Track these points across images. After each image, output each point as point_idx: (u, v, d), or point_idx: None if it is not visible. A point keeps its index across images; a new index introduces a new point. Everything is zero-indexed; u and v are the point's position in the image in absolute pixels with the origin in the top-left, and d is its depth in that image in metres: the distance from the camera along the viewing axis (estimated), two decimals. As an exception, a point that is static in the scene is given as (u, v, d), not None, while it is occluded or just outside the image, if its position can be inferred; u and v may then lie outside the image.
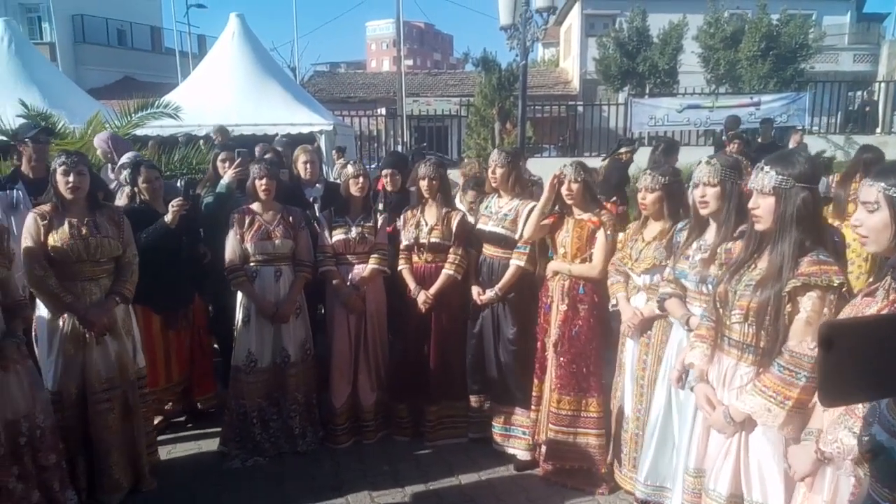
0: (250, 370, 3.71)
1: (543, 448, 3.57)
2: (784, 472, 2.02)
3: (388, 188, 4.44)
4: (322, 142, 9.79)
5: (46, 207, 3.14)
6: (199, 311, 4.19)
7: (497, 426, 3.79)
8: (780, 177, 1.99)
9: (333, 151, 10.37)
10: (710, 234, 2.66)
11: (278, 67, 12.13)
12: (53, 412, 3.02)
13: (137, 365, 3.40)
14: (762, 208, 2.05)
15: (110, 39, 26.51)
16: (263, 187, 3.71)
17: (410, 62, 44.91)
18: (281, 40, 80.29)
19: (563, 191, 3.37)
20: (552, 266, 3.54)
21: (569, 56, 27.43)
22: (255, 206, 3.77)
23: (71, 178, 3.07)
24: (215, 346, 4.62)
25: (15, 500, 2.78)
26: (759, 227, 2.08)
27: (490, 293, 3.65)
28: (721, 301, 2.20)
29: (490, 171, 3.69)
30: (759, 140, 9.45)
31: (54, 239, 3.04)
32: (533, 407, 3.62)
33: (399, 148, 15.81)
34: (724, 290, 2.18)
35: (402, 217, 3.93)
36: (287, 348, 3.76)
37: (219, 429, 3.89)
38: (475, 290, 3.72)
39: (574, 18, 25.86)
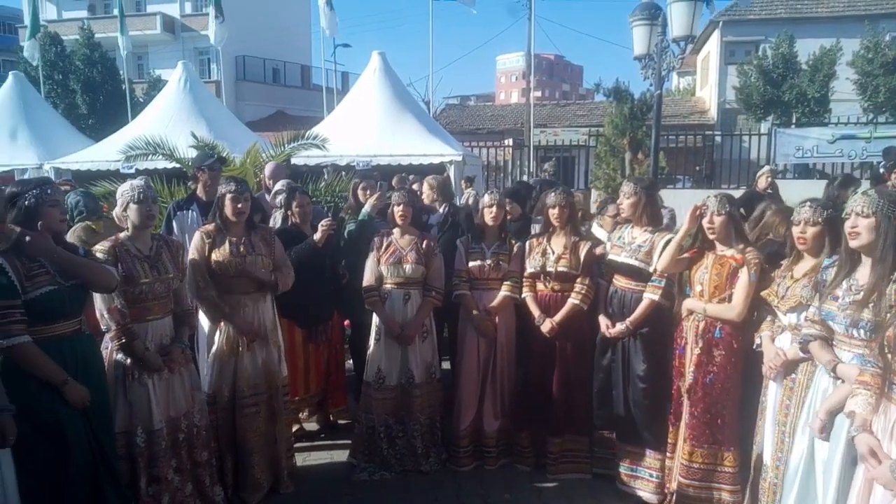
0: (379, 386, 3.87)
1: (673, 499, 3.39)
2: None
3: (508, 217, 4.50)
4: (452, 172, 10.09)
5: (210, 227, 3.50)
6: (336, 328, 4.46)
7: (623, 465, 3.66)
8: None
9: (462, 181, 10.64)
10: (862, 273, 2.40)
11: (414, 101, 12.73)
12: (208, 413, 3.34)
13: (281, 374, 3.67)
14: None
15: (266, 77, 29.28)
16: (400, 213, 3.89)
17: (539, 93, 45.15)
18: (417, 75, 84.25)
19: (706, 224, 3.22)
20: (687, 304, 3.37)
21: (706, 84, 26.27)
22: (395, 232, 3.96)
23: (239, 205, 3.42)
24: (349, 362, 4.87)
25: (172, 490, 3.09)
26: None
27: (620, 326, 3.54)
28: (890, 346, 2.00)
29: (619, 202, 3.63)
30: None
31: (216, 255, 3.39)
32: (668, 454, 3.46)
33: (525, 178, 15.88)
34: (895, 334, 1.99)
35: (526, 245, 3.95)
36: (412, 370, 3.88)
37: (350, 441, 4.08)
38: (604, 321, 3.64)
39: (713, 46, 24.79)
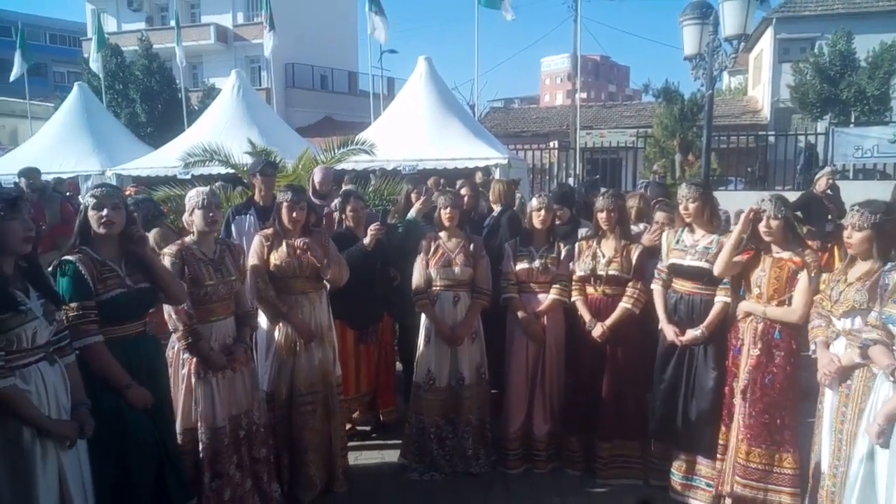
0: (429, 388, 3.92)
1: (728, 501, 3.34)
2: None
3: (557, 221, 4.50)
4: (497, 175, 10.10)
5: (269, 231, 3.64)
6: (387, 330, 4.54)
7: (677, 474, 3.61)
8: None
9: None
10: None
11: (459, 105, 12.79)
12: (266, 411, 3.45)
13: (336, 373, 3.76)
14: None
15: (314, 84, 29.90)
16: (448, 215, 3.94)
17: (584, 95, 44.69)
18: (461, 79, 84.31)
19: (762, 228, 3.19)
20: (744, 306, 3.33)
21: (759, 83, 25.53)
22: (442, 235, 4.02)
23: (294, 214, 3.54)
24: (398, 362, 4.95)
25: (233, 485, 3.21)
26: None
27: (695, 332, 3.45)
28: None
29: (682, 205, 3.57)
30: None
31: (275, 258, 3.52)
32: (718, 456, 3.41)
33: (571, 180, 15.76)
34: None
35: (576, 247, 3.95)
36: (462, 371, 3.92)
37: (400, 441, 4.15)
38: (670, 329, 3.53)
39: (766, 44, 24.09)
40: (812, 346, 3.03)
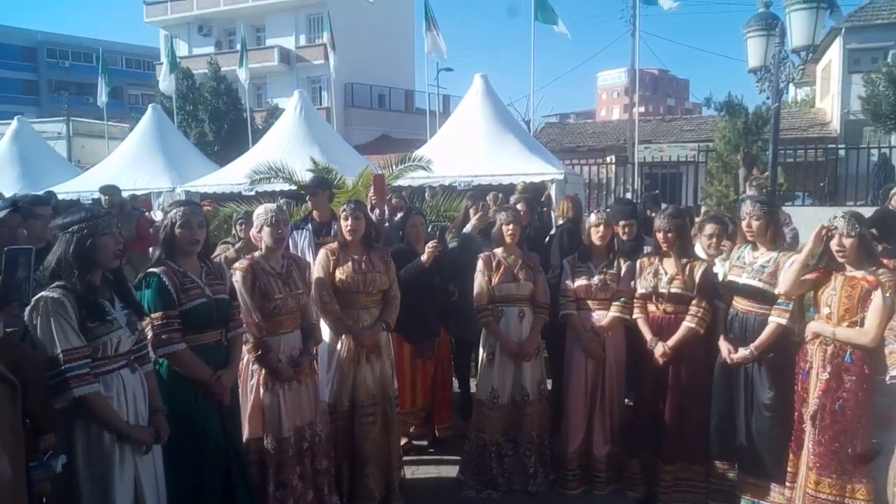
0: (492, 405, 3.91)
1: (798, 532, 3.20)
2: None
3: (624, 237, 4.45)
4: (553, 190, 10.06)
5: (334, 246, 3.74)
6: (444, 345, 4.57)
7: (745, 500, 3.49)
8: None
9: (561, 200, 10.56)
10: None
11: (514, 121, 12.82)
12: (329, 422, 3.53)
13: (393, 385, 3.81)
14: None
15: (372, 102, 30.61)
16: (510, 232, 3.95)
17: (642, 109, 43.97)
18: (517, 94, 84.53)
19: (834, 246, 3.06)
20: (813, 327, 3.21)
21: (827, 95, 24.51)
22: (499, 251, 4.01)
23: (349, 223, 3.63)
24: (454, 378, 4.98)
25: (296, 496, 3.28)
26: None
27: (744, 352, 3.39)
28: None
29: (745, 222, 3.48)
30: None
31: (340, 273, 3.60)
32: (787, 483, 3.28)
33: (629, 195, 15.50)
34: None
35: (637, 264, 3.89)
36: (526, 387, 3.90)
37: (456, 457, 4.16)
38: (725, 347, 3.49)
39: (834, 54, 23.13)
40: (892, 372, 2.87)
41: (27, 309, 2.26)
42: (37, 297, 2.25)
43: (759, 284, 3.38)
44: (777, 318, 3.33)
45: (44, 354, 2.23)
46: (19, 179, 14.37)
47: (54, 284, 2.30)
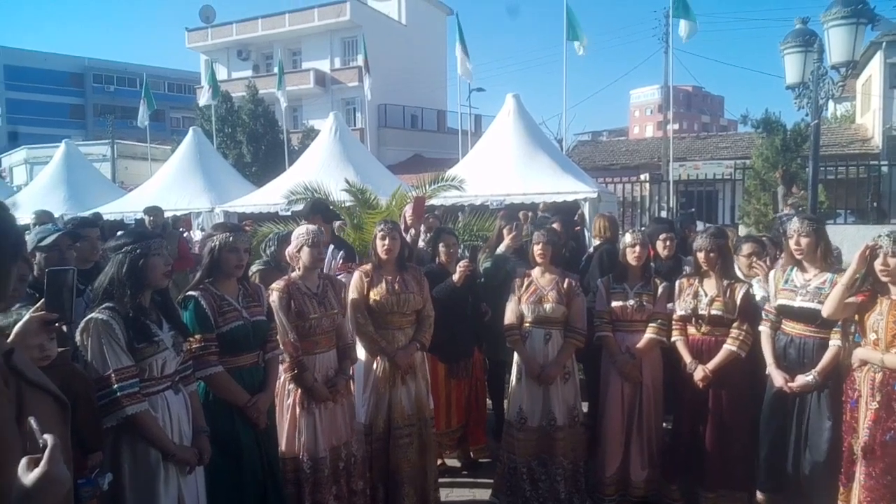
0: (521, 427, 3.87)
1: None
2: None
3: (663, 254, 4.40)
4: (586, 209, 9.99)
5: (368, 267, 3.77)
6: (477, 365, 4.56)
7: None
8: None
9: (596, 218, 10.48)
10: None
11: (547, 140, 12.81)
12: (364, 443, 3.54)
13: (429, 406, 3.81)
14: None
15: (405, 123, 31.00)
16: (539, 252, 3.92)
17: (676, 126, 43.51)
18: (548, 113, 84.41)
19: (878, 266, 2.96)
20: (860, 354, 3.08)
21: (868, 110, 23.91)
22: (535, 271, 4.00)
23: (386, 243, 3.66)
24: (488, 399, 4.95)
25: None
26: None
27: (807, 378, 3.26)
28: None
29: (793, 240, 3.39)
30: None
31: (374, 294, 3.63)
32: (839, 517, 3.15)
33: (664, 214, 15.30)
34: None
35: (676, 285, 3.83)
36: (554, 411, 3.84)
37: (490, 479, 4.12)
38: (779, 375, 3.35)
39: (874, 69, 22.59)
40: None
41: (78, 329, 2.34)
42: (86, 318, 2.33)
43: (819, 307, 3.24)
44: (838, 342, 3.22)
45: (94, 374, 2.30)
46: (66, 201, 14.90)
47: (103, 306, 2.38)
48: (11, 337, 1.68)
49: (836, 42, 6.82)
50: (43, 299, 1.76)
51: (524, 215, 6.89)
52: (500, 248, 4.79)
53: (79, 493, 2.07)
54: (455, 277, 4.11)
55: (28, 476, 1.10)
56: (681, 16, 13.73)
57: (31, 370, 1.34)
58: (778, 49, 7.92)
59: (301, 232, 3.36)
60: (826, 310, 3.15)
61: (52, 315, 1.74)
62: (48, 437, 1.14)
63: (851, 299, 3.08)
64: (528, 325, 3.91)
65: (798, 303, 3.34)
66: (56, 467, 1.12)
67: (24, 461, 1.11)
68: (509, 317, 3.95)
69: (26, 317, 1.75)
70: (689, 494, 3.73)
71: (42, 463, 1.11)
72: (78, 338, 2.34)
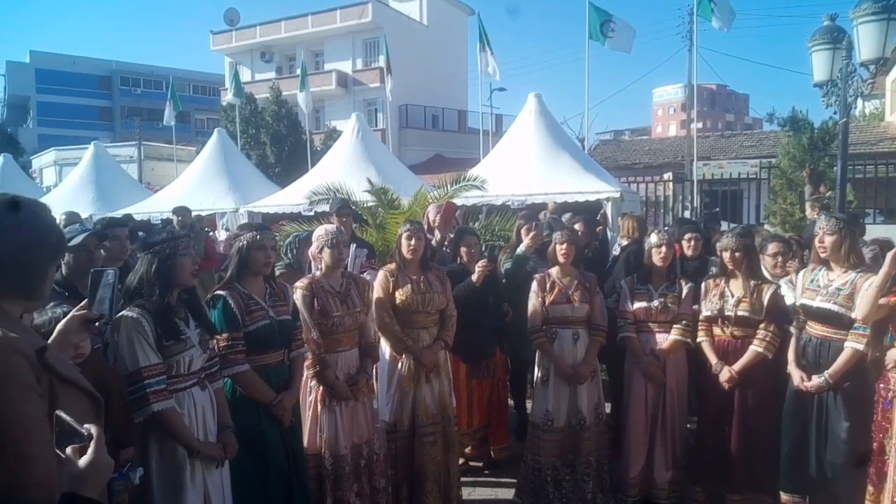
0: (547, 428, 3.86)
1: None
2: None
3: (688, 254, 4.36)
4: (609, 209, 9.91)
5: (392, 266, 3.79)
6: (499, 365, 4.55)
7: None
8: None
9: (619, 218, 10.39)
10: None
11: (569, 139, 12.73)
12: (387, 441, 3.56)
13: (452, 404, 3.81)
14: None
15: (426, 123, 31.06)
16: (563, 252, 3.91)
17: (700, 124, 43.01)
18: (570, 112, 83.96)
19: (911, 267, 2.91)
20: (893, 355, 3.04)
21: (899, 107, 23.40)
22: (554, 271, 3.98)
23: (412, 243, 3.68)
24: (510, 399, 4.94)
25: None
26: None
27: (818, 380, 3.24)
28: None
29: (818, 239, 3.35)
30: None
31: (400, 294, 3.64)
32: (867, 518, 3.10)
33: (688, 213, 15.13)
34: None
35: (702, 286, 3.79)
36: (582, 410, 3.84)
37: (512, 479, 4.12)
38: (797, 374, 3.34)
39: (907, 64, 22.08)
40: None
41: (108, 327, 2.39)
42: (117, 315, 2.38)
43: (835, 308, 3.22)
44: (853, 344, 3.17)
45: (124, 370, 2.35)
46: (95, 202, 15.20)
47: (133, 304, 2.43)
48: (54, 335, 1.73)
49: (866, 38, 6.68)
50: (86, 299, 1.81)
51: (544, 215, 6.86)
52: (521, 249, 4.78)
53: (111, 487, 2.12)
54: (474, 277, 4.11)
55: (80, 460, 1.20)
56: (707, 17, 13.52)
57: (65, 367, 1.39)
58: (805, 46, 7.79)
59: (321, 233, 3.39)
60: (859, 312, 3.10)
61: (94, 314, 1.78)
62: (92, 428, 1.23)
63: (883, 301, 3.03)
64: (555, 325, 3.89)
65: (817, 303, 3.31)
66: (102, 454, 1.22)
67: (69, 449, 1.20)
68: (533, 318, 3.94)
69: (69, 315, 1.79)
70: (714, 497, 3.69)
71: (90, 450, 1.21)
72: (108, 334, 2.39)
